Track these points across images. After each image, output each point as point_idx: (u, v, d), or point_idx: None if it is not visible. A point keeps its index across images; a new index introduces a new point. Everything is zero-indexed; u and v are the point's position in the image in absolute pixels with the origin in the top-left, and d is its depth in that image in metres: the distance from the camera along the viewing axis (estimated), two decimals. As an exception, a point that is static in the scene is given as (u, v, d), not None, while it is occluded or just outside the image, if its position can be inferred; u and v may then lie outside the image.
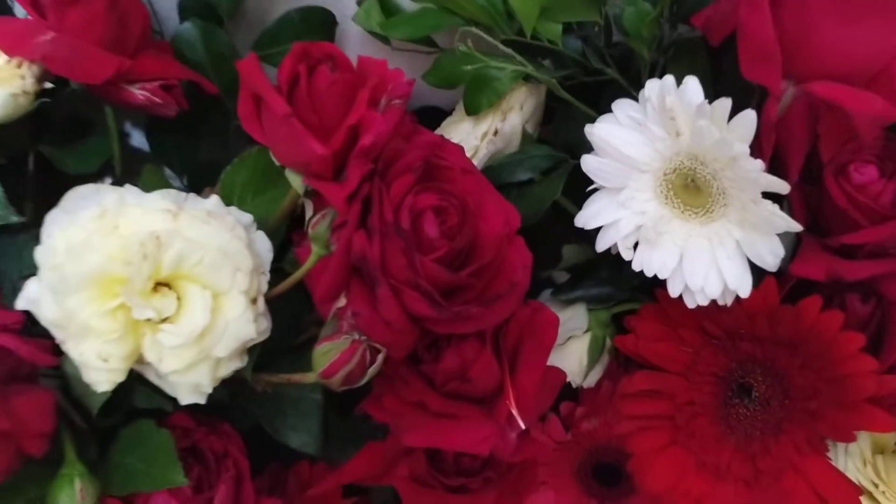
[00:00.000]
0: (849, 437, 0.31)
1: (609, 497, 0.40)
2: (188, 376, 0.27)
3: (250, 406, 0.33)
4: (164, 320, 0.27)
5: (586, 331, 0.36)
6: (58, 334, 0.27)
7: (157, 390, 0.30)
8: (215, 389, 0.29)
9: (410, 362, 0.31)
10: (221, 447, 0.32)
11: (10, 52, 0.30)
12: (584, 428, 0.38)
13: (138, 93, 0.32)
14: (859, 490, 0.32)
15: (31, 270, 0.30)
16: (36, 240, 0.30)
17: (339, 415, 0.35)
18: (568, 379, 0.35)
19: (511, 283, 0.29)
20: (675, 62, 0.31)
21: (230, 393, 0.32)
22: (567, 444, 0.38)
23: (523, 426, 0.29)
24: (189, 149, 0.36)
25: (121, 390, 0.30)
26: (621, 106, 0.30)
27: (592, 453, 0.39)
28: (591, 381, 0.36)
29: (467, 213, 0.28)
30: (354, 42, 0.37)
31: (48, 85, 0.31)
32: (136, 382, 0.30)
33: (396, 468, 0.33)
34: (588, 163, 0.30)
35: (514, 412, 0.30)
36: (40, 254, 0.26)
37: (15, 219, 0.30)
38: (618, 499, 0.40)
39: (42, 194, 0.34)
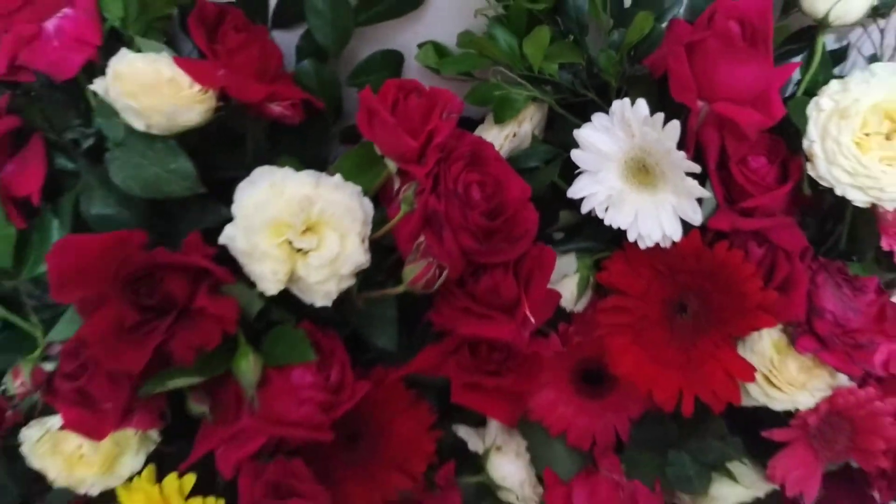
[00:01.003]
0: (746, 333, 0.48)
1: (593, 394, 0.55)
2: (324, 286, 0.43)
3: (350, 318, 0.49)
4: (309, 252, 0.43)
5: (576, 272, 0.52)
6: (244, 259, 0.43)
7: (287, 308, 0.47)
8: (325, 307, 0.45)
9: (459, 284, 0.47)
10: (330, 345, 0.49)
11: (202, 83, 0.46)
12: (575, 342, 0.54)
13: (275, 108, 0.49)
14: (754, 369, 0.48)
15: (205, 226, 0.46)
16: (202, 205, 0.47)
17: (405, 328, 0.51)
18: (563, 305, 0.52)
19: (525, 230, 0.45)
20: (632, 89, 0.48)
21: (337, 308, 0.48)
22: (563, 354, 0.54)
23: (534, 322, 0.45)
24: (302, 146, 0.52)
25: (265, 309, 0.47)
26: (597, 118, 0.46)
27: (581, 361, 0.55)
28: (579, 307, 0.53)
29: (497, 185, 0.45)
30: (415, 73, 0.53)
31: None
32: (273, 303, 0.47)
33: (448, 361, 0.50)
34: (576, 155, 0.47)
35: (528, 315, 0.46)
36: (236, 208, 0.43)
37: (200, 190, 0.47)
38: (600, 395, 0.55)
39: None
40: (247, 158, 0.49)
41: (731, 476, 0.52)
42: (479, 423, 0.56)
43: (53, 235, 0.47)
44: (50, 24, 0.45)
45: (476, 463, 0.55)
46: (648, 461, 0.52)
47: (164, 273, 0.41)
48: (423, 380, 0.52)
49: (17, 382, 0.43)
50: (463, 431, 0.55)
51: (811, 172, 0.44)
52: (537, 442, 0.55)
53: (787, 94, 0.51)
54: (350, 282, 0.44)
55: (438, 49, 0.51)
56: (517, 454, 0.54)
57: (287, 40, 0.52)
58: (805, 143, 0.44)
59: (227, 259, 0.44)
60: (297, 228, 0.42)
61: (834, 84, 0.43)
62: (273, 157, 0.50)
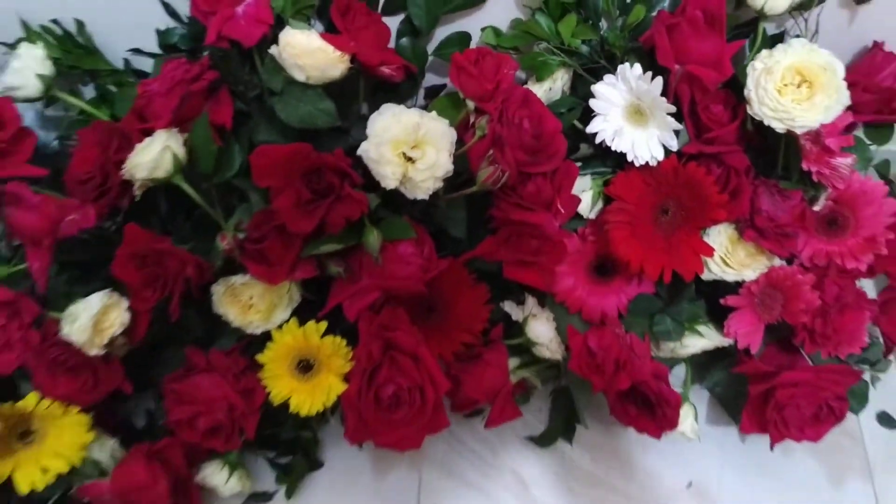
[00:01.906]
0: (708, 225, 0.69)
1: (601, 281, 0.77)
2: (424, 184, 0.65)
3: (435, 217, 0.71)
4: (416, 160, 0.65)
5: (591, 188, 0.74)
6: (372, 164, 0.65)
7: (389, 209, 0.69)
8: (418, 209, 0.67)
9: (512, 189, 0.69)
10: (422, 232, 0.70)
11: (341, 50, 0.68)
12: (590, 240, 0.76)
13: (385, 70, 0.71)
14: (713, 249, 0.70)
15: (335, 148, 0.68)
16: (334, 134, 0.69)
17: (470, 227, 0.73)
18: (581, 212, 0.74)
19: (557, 150, 0.67)
20: (630, 57, 0.70)
21: (424, 211, 0.70)
22: (580, 252, 0.76)
23: (563, 213, 0.68)
24: (398, 98, 0.74)
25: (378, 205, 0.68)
26: (607, 77, 0.68)
27: (593, 258, 0.77)
28: (593, 214, 0.74)
29: (540, 119, 0.67)
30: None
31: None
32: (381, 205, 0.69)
33: (501, 248, 0.72)
34: (592, 103, 0.69)
35: (560, 208, 0.68)
36: (369, 130, 0.64)
37: (338, 123, 0.69)
38: (606, 283, 0.77)
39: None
40: (359, 104, 0.72)
41: (697, 332, 0.74)
42: (519, 302, 0.78)
43: (235, 153, 0.69)
44: (240, 9, 0.68)
45: (516, 331, 0.77)
46: (640, 322, 0.74)
47: (324, 170, 0.63)
48: (481, 268, 0.74)
49: (224, 242, 0.65)
50: (508, 306, 0.77)
51: (750, 112, 0.66)
52: (560, 316, 0.76)
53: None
54: (440, 184, 0.66)
55: (496, 31, 0.74)
56: (547, 319, 0.76)
57: (391, 23, 0.74)
58: (746, 92, 0.66)
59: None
60: (409, 144, 0.64)
61: (764, 52, 0.65)
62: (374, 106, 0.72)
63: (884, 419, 0.88)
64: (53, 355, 0.63)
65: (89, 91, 0.81)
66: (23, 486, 0.65)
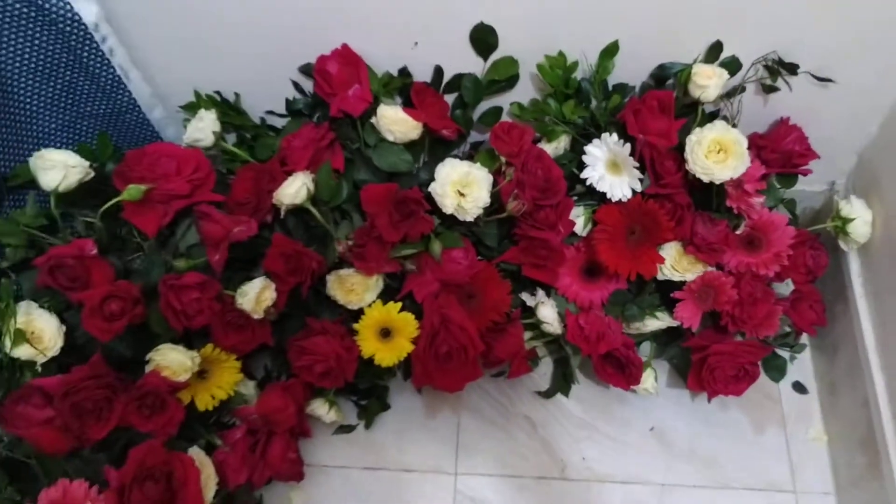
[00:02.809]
0: (662, 243, 1.03)
1: (590, 280, 1.10)
2: (472, 212, 0.99)
3: (477, 231, 1.05)
4: (466, 195, 0.98)
5: (583, 215, 1.08)
6: (438, 198, 0.98)
7: (445, 226, 1.02)
8: (465, 225, 1.01)
9: (529, 215, 1.02)
10: (467, 243, 1.04)
11: (417, 120, 1.02)
12: (582, 251, 1.09)
13: (445, 132, 1.05)
14: (663, 259, 1.03)
15: (410, 186, 1.02)
16: (411, 177, 1.03)
17: (500, 238, 1.07)
18: (576, 231, 1.07)
19: (560, 190, 1.01)
20: (611, 128, 1.04)
21: (469, 227, 1.04)
22: (575, 258, 1.09)
23: (563, 232, 1.01)
24: (448, 152, 1.08)
25: (437, 226, 1.02)
26: (595, 141, 1.02)
27: (584, 262, 1.10)
28: (584, 233, 1.08)
29: (549, 168, 1.00)
30: (506, 117, 1.10)
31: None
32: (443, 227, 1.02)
33: (520, 255, 1.05)
34: (584, 158, 1.03)
35: (561, 228, 1.02)
36: (437, 174, 0.98)
37: (413, 170, 1.02)
38: (594, 281, 1.10)
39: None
40: (425, 155, 1.06)
41: (654, 316, 1.07)
42: (532, 293, 1.11)
43: (344, 187, 1.03)
44: (350, 91, 1.02)
45: (529, 313, 1.11)
46: (615, 309, 1.08)
47: (407, 201, 0.97)
48: (506, 269, 1.07)
49: (340, 247, 0.99)
50: (524, 296, 1.11)
51: (688, 167, 1.00)
52: (560, 303, 1.10)
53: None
54: (481, 211, 1.00)
55: (521, 106, 1.08)
56: (551, 306, 1.09)
57: (449, 100, 1.08)
58: (686, 154, 0.99)
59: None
60: (462, 185, 0.98)
61: (697, 129, 0.99)
62: (434, 155, 1.06)
63: (797, 386, 1.21)
64: (229, 318, 0.97)
65: (230, 137, 1.15)
66: (200, 405, 0.99)
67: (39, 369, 0.89)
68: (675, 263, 1.05)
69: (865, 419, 1.06)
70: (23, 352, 0.88)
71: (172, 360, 0.91)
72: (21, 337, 0.87)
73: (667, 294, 1.08)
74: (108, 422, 0.88)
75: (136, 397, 0.89)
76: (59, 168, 0.90)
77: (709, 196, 1.05)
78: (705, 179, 0.98)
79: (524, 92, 1.07)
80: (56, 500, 0.83)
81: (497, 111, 1.09)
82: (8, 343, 0.87)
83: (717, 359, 1.06)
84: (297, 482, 1.04)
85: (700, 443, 1.14)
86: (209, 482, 0.91)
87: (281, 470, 1.01)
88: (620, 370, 1.08)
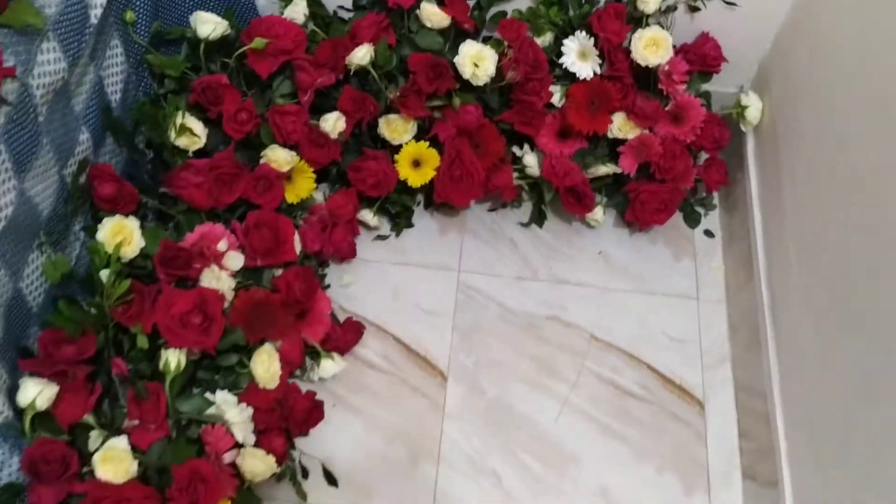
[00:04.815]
0: (613, 111, 1.49)
1: (564, 140, 1.56)
2: (483, 78, 1.44)
3: (484, 95, 1.50)
4: (479, 66, 1.44)
5: (560, 91, 1.53)
6: (459, 66, 1.44)
7: (463, 90, 1.48)
8: (477, 89, 1.46)
9: (520, 86, 1.48)
10: (478, 103, 1.50)
11: (447, 14, 1.47)
12: (558, 117, 1.54)
13: (466, 25, 1.50)
14: (612, 121, 1.49)
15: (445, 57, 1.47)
16: (441, 52, 1.49)
17: (500, 102, 1.52)
18: (553, 102, 1.53)
19: (544, 68, 1.46)
20: (582, 28, 1.49)
21: (481, 90, 1.49)
22: (551, 123, 1.55)
23: (544, 99, 1.47)
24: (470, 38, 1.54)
25: (458, 87, 1.48)
26: (570, 38, 1.48)
27: (560, 126, 1.55)
28: (560, 104, 1.53)
29: (536, 53, 1.46)
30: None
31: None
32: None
33: (514, 115, 1.51)
34: (563, 48, 1.48)
35: (543, 97, 1.47)
36: (460, 51, 1.43)
37: (443, 48, 1.48)
38: (565, 141, 1.56)
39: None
40: (451, 39, 1.51)
41: (605, 164, 1.53)
42: (521, 146, 1.57)
43: (393, 56, 1.48)
44: None
45: (518, 161, 1.56)
46: (578, 159, 1.53)
47: (440, 66, 1.42)
48: (503, 127, 1.53)
49: (392, 96, 1.44)
50: (515, 148, 1.56)
51: (633, 57, 1.45)
52: (539, 155, 1.55)
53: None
54: (488, 79, 1.45)
55: (520, 11, 1.53)
56: (534, 156, 1.54)
57: (470, 3, 1.53)
58: (631, 47, 1.45)
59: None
60: (476, 59, 1.43)
61: (639, 30, 1.44)
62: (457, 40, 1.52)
63: (707, 233, 1.67)
64: (312, 137, 1.42)
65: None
66: (289, 199, 1.45)
67: (191, 154, 1.35)
68: (621, 126, 1.50)
69: (748, 252, 1.52)
70: (182, 141, 1.33)
71: (279, 156, 1.37)
72: (182, 130, 1.32)
73: (614, 151, 1.54)
74: (235, 191, 1.34)
75: (253, 178, 1.35)
76: (211, 23, 1.35)
77: (647, 81, 1.51)
78: (643, 64, 1.44)
79: (523, 1, 1.52)
80: (203, 235, 1.28)
81: (503, 14, 1.54)
82: (173, 134, 1.32)
83: (647, 195, 1.52)
84: (351, 259, 1.50)
85: (633, 264, 1.61)
86: (297, 242, 1.37)
87: (341, 248, 1.47)
88: (579, 201, 1.53)
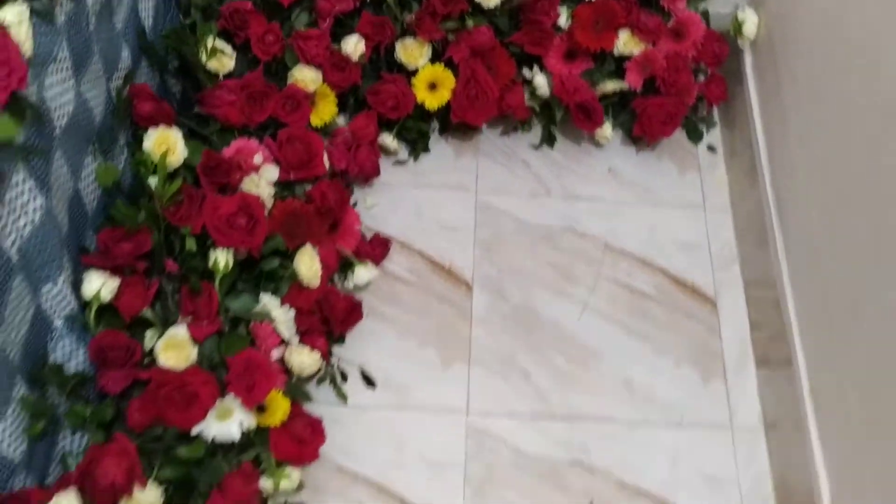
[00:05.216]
0: (619, 27, 1.56)
1: (570, 61, 1.63)
2: (494, 1, 1.51)
3: (495, 18, 1.57)
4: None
5: (566, 12, 1.60)
6: (471, -12, 1.50)
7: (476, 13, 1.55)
8: (488, 12, 1.53)
9: (529, 7, 1.55)
10: (489, 25, 1.57)
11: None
12: (565, 38, 1.62)
13: None
14: (617, 38, 1.56)
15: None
16: None
17: (510, 24, 1.59)
18: (560, 24, 1.60)
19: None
20: None
21: (492, 12, 1.56)
22: (559, 45, 1.62)
23: (552, 18, 1.54)
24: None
25: (470, 10, 1.54)
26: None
27: (567, 47, 1.62)
28: (566, 26, 1.61)
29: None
30: None
31: None
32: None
33: (524, 37, 1.58)
34: None
35: (551, 17, 1.54)
36: None
37: None
38: (573, 61, 1.63)
39: None
40: None
41: (611, 80, 1.61)
42: (530, 68, 1.64)
43: (407, -15, 1.55)
44: (414, -81, 1.54)
45: (528, 82, 1.63)
46: (586, 77, 1.61)
47: None
48: (513, 51, 1.60)
49: (408, 19, 1.51)
50: (524, 70, 1.63)
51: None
52: (548, 77, 1.62)
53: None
54: (499, 1, 1.52)
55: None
56: (544, 77, 1.61)
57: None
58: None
59: None
60: (488, -20, 1.50)
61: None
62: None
63: (710, 147, 1.74)
64: (334, 61, 1.49)
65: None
66: (314, 122, 1.51)
67: (222, 78, 1.41)
68: (626, 42, 1.58)
69: (751, 161, 1.60)
70: (213, 65, 1.39)
71: (305, 76, 1.43)
72: (213, 52, 1.38)
73: (620, 69, 1.61)
74: (266, 109, 1.40)
75: (282, 98, 1.41)
76: (235, -49, 1.41)
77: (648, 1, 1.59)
78: (644, -20, 1.51)
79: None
80: (240, 149, 1.34)
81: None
82: (205, 56, 1.38)
83: (653, 108, 1.60)
84: (375, 178, 1.56)
85: (641, 178, 1.68)
86: (326, 157, 1.43)
87: (365, 167, 1.53)
88: (588, 117, 1.61)
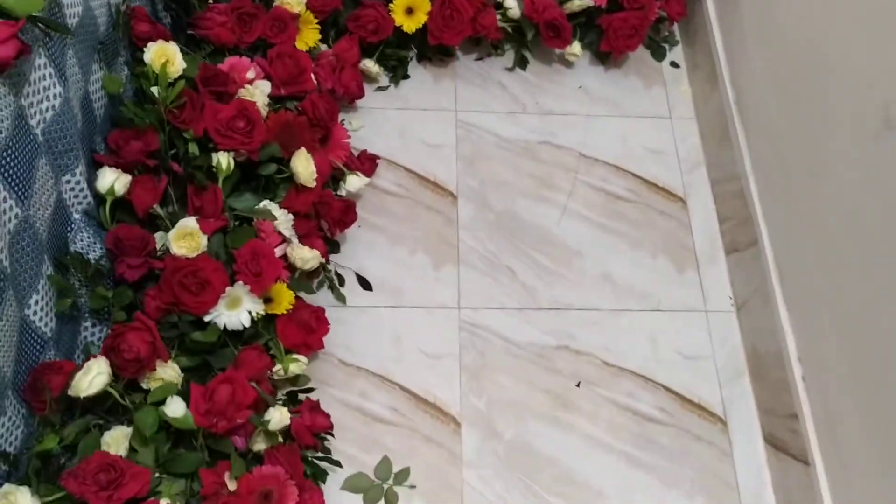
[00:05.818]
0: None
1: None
2: None
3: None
4: None
5: None
6: None
7: None
8: None
9: None
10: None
11: None
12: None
13: None
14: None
15: None
16: None
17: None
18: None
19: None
20: None
21: None
22: None
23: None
24: None
25: None
26: None
27: None
28: (533, -50, 1.70)
29: None
30: None
31: None
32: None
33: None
34: None
35: None
36: None
37: None
38: None
39: None
40: None
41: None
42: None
43: None
44: None
45: (499, 7, 1.72)
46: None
47: None
48: None
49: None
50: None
51: None
52: (521, 1, 1.72)
53: None
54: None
55: None
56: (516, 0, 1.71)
57: None
58: None
59: None
60: None
61: None
62: None
63: (673, 64, 1.85)
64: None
65: None
66: (298, 47, 1.59)
67: (211, 1, 1.48)
68: (590, -33, 1.68)
69: (712, 66, 1.70)
70: (202, -11, 1.47)
71: (290, -2, 1.51)
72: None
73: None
74: (255, 30, 1.48)
75: (269, 19, 1.49)
76: None
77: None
78: None
79: None
80: (233, 65, 1.42)
81: None
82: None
83: (618, 23, 1.70)
84: (360, 98, 1.65)
85: (610, 93, 1.78)
86: (313, 76, 1.51)
87: (350, 87, 1.61)
88: (558, 34, 1.70)
